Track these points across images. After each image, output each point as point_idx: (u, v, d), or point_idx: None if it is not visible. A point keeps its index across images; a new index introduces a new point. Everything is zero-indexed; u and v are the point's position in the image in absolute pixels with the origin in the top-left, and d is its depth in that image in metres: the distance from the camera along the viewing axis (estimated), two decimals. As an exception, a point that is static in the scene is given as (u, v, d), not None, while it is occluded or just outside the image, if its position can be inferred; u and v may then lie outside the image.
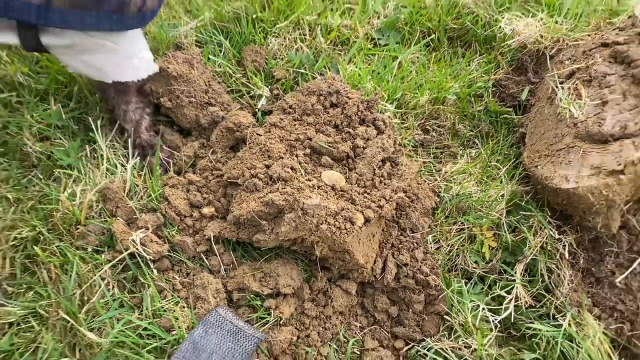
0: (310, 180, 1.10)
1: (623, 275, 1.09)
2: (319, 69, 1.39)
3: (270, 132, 1.20)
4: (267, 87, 1.35)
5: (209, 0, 1.45)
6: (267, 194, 1.07)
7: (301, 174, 1.12)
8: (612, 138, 1.06)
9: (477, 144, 1.37)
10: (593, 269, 1.12)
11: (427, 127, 1.38)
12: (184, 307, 1.06)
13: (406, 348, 1.12)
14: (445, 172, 1.30)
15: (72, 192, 1.14)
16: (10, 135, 1.26)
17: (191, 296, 1.07)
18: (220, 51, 1.38)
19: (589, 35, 1.35)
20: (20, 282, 1.11)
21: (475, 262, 1.18)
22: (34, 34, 0.99)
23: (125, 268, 1.11)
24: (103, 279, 1.07)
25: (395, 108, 1.35)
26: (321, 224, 1.01)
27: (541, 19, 1.45)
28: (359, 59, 1.43)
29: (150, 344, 1.02)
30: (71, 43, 1.02)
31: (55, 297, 1.07)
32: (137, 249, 1.07)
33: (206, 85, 1.28)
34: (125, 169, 1.18)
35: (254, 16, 1.41)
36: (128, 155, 1.21)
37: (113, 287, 1.08)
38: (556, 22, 1.44)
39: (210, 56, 1.35)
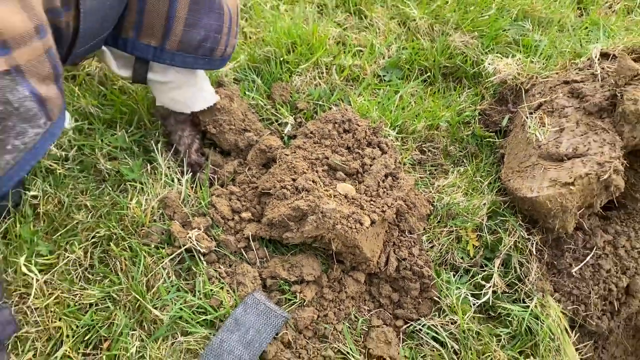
0: (327, 191, 1.39)
1: (578, 267, 1.36)
2: (334, 101, 1.69)
3: (295, 152, 1.50)
4: (292, 116, 1.65)
5: (243, 45, 1.77)
6: (294, 201, 1.36)
7: (320, 186, 1.41)
8: (566, 157, 1.34)
9: (465, 163, 1.65)
10: (555, 262, 1.39)
11: (424, 148, 1.67)
12: (228, 290, 1.34)
13: (405, 326, 1.39)
14: (438, 186, 1.58)
15: (137, 200, 1.44)
16: (85, 155, 1.56)
17: (234, 282, 1.35)
18: (254, 87, 1.69)
19: (556, 73, 1.64)
20: (97, 271, 1.39)
21: (462, 258, 1.45)
22: (145, 70, 1.31)
23: (181, 260, 1.39)
24: (164, 269, 1.36)
25: (396, 133, 1.64)
26: (336, 224, 1.29)
27: (519, 59, 1.74)
28: (367, 92, 1.73)
29: (203, 318, 1.30)
30: (168, 80, 1.35)
31: (126, 283, 1.36)
32: (192, 244, 1.36)
33: (243, 115, 1.58)
34: (181, 182, 1.48)
35: (281, 59, 1.72)
36: (181, 171, 1.51)
37: (171, 275, 1.37)
38: (531, 62, 1.73)
39: (246, 91, 1.66)
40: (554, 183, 1.30)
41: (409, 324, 1.38)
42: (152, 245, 1.38)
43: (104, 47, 1.27)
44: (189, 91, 1.41)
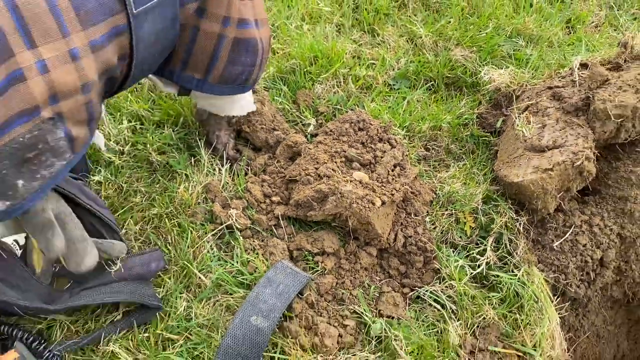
0: (345, 177, 1.65)
1: (559, 242, 1.59)
2: (350, 106, 1.96)
3: (317, 147, 1.76)
4: (314, 118, 1.91)
5: (272, 58, 2.05)
6: (316, 185, 1.62)
7: (339, 174, 1.67)
8: (547, 148, 1.58)
9: (464, 158, 1.90)
10: (539, 238, 1.62)
11: (428, 146, 1.92)
12: (261, 259, 1.59)
13: (410, 292, 1.61)
14: (440, 177, 1.83)
15: (184, 186, 1.71)
16: (138, 150, 1.83)
17: (266, 253, 1.59)
18: (281, 94, 1.97)
19: (543, 81, 1.89)
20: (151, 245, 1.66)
21: (460, 236, 1.69)
22: (189, 91, 1.52)
23: (221, 236, 1.65)
24: (207, 242, 1.62)
25: (404, 132, 1.90)
26: (352, 203, 1.54)
27: (511, 70, 2.00)
28: (378, 99, 1.99)
29: (240, 281, 1.55)
30: (211, 95, 1.54)
31: (175, 254, 1.62)
32: (232, 221, 1.61)
33: (272, 117, 1.85)
34: (221, 172, 1.75)
35: (305, 70, 1.99)
36: (221, 163, 1.78)
37: (213, 247, 1.62)
38: (522, 72, 1.98)
39: (275, 97, 1.94)
40: (536, 170, 1.54)
41: (414, 291, 1.62)
42: (197, 223, 1.64)
43: (150, 75, 1.48)
44: (228, 101, 1.62)
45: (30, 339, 1.26)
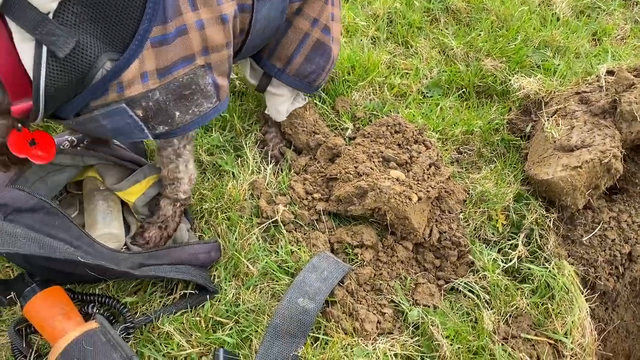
0: (383, 175, 1.76)
1: (588, 237, 1.66)
2: (385, 112, 2.07)
3: (356, 148, 1.87)
4: (352, 123, 2.04)
5: (312, 68, 2.19)
6: (356, 182, 1.73)
7: (377, 172, 1.78)
8: (575, 148, 1.67)
9: (495, 161, 1.99)
10: (569, 234, 1.69)
11: (460, 150, 2.02)
12: (304, 250, 1.70)
13: (445, 285, 1.70)
14: (473, 178, 1.92)
15: (232, 184, 1.84)
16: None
17: (309, 244, 1.70)
18: (320, 100, 2.10)
19: (571, 88, 1.98)
20: (204, 236, 1.78)
21: (492, 232, 1.77)
22: (267, 83, 1.74)
23: (266, 229, 1.76)
24: (254, 235, 1.74)
25: (438, 136, 2.00)
26: (391, 199, 1.64)
27: (540, 78, 2.10)
28: (413, 105, 2.10)
29: (285, 269, 1.65)
30: (281, 94, 1.77)
31: (224, 245, 1.73)
32: (277, 216, 1.73)
33: (314, 121, 1.97)
34: (266, 170, 1.88)
35: (343, 78, 2.12)
36: (267, 162, 1.91)
37: (259, 239, 1.73)
38: (550, 81, 2.08)
39: (316, 103, 2.07)
40: (566, 167, 1.63)
41: (448, 283, 1.70)
42: (245, 217, 1.76)
43: (248, 58, 1.72)
44: (287, 104, 1.84)
45: (115, 306, 1.42)
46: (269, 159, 1.91)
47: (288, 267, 1.64)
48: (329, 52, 1.67)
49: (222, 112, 1.40)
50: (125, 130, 1.23)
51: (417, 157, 1.81)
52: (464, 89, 2.18)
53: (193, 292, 1.55)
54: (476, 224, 1.79)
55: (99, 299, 1.43)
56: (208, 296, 1.50)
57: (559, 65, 2.18)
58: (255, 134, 2.00)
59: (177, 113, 1.25)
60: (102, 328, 1.27)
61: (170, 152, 1.45)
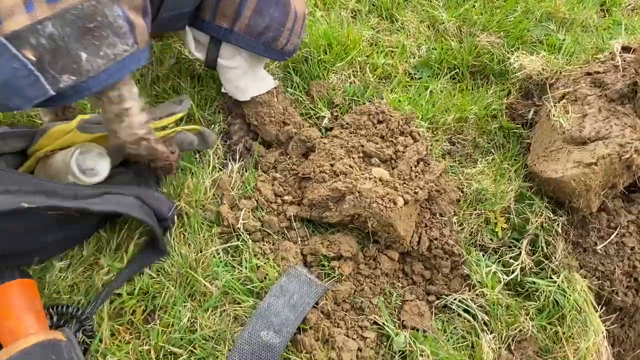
0: (363, 174, 1.50)
1: (603, 245, 1.43)
2: (367, 97, 1.81)
3: (332, 141, 1.62)
4: (329, 111, 1.77)
5: (284, 47, 1.91)
6: (332, 183, 1.47)
7: (357, 170, 1.52)
8: (589, 140, 1.42)
9: (492, 153, 1.74)
10: (580, 241, 1.46)
11: (453, 140, 1.77)
12: (272, 265, 1.45)
13: (437, 301, 1.47)
14: (467, 174, 1.67)
15: (193, 182, 1.57)
16: (140, 147, 1.72)
17: (277, 258, 1.46)
18: (293, 85, 1.83)
19: (579, 67, 1.73)
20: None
21: (490, 238, 1.54)
22: (216, 54, 1.49)
23: (228, 239, 1.52)
24: (214, 246, 1.48)
25: (427, 125, 1.74)
26: (372, 203, 1.39)
27: (543, 56, 1.84)
28: (399, 89, 1.84)
29: (249, 289, 1.41)
30: (235, 65, 1.52)
31: (178, 257, 1.48)
32: (240, 223, 1.48)
33: (283, 109, 1.71)
34: (227, 167, 1.61)
35: (319, 58, 1.85)
36: (233, 158, 1.64)
37: (220, 252, 1.48)
38: (555, 58, 1.82)
39: (286, 88, 1.80)
40: (578, 164, 1.38)
41: (440, 299, 1.47)
42: (205, 224, 1.51)
43: (187, 28, 1.46)
44: (251, 79, 1.58)
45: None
46: (233, 154, 1.64)
47: (253, 287, 1.39)
48: (286, 3, 1.44)
49: (143, 63, 1.15)
50: (13, 83, 0.95)
51: (404, 152, 1.56)
52: (456, 69, 1.92)
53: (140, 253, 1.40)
54: (472, 228, 1.55)
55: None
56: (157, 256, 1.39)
57: (564, 40, 1.92)
58: (219, 125, 1.74)
59: (84, 54, 1.00)
60: (69, 343, 1.13)
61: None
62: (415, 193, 1.45)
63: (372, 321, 1.42)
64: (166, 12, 1.30)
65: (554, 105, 1.59)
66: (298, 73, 1.85)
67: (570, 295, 1.37)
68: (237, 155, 1.65)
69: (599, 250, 1.42)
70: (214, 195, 1.57)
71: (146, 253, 1.39)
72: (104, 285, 1.33)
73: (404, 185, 1.48)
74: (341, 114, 1.77)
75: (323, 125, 1.74)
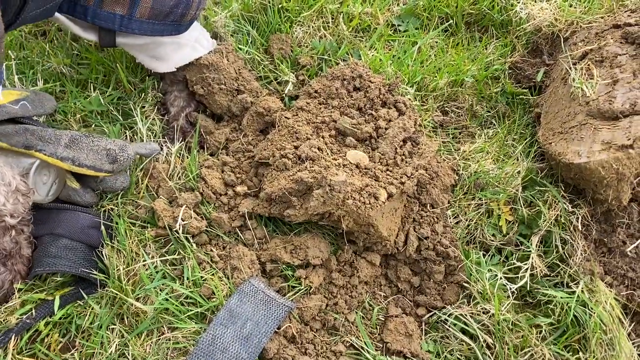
0: (336, 160, 1.18)
1: (634, 245, 1.15)
2: (341, 55, 1.46)
3: (297, 115, 1.28)
4: (293, 73, 1.43)
5: (235, -9, 1.53)
6: (296, 172, 1.15)
7: (327, 154, 1.20)
8: (622, 115, 1.11)
9: (494, 124, 1.43)
10: (605, 239, 1.18)
11: (446, 108, 1.45)
12: (221, 277, 1.15)
13: (428, 315, 1.20)
14: (464, 151, 1.37)
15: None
16: (56, 121, 1.36)
17: (228, 267, 1.16)
18: (248, 40, 1.47)
19: (602, 18, 1.40)
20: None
21: (493, 235, 1.25)
22: (113, 35, 1.16)
23: (167, 242, 1.20)
24: (147, 253, 1.17)
25: (415, 91, 1.41)
26: (347, 199, 1.09)
27: (555, 2, 1.50)
28: (379, 45, 1.50)
29: (192, 310, 1.11)
30: (142, 43, 1.19)
31: (103, 268, 1.17)
32: (177, 225, 1.16)
33: (236, 73, 1.35)
34: (164, 152, 1.27)
35: (280, 6, 1.48)
36: (171, 139, 1.31)
37: (156, 261, 1.17)
38: (570, 6, 1.48)
39: (240, 45, 1.43)
40: (608, 146, 1.08)
41: (432, 313, 1.19)
42: (136, 225, 1.19)
43: (58, 15, 1.11)
44: (171, 49, 1.25)
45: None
46: (176, 134, 1.30)
47: (196, 305, 1.10)
48: None
49: None
50: None
51: (386, 129, 1.24)
52: (449, 20, 1.57)
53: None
54: (470, 222, 1.27)
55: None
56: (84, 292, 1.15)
57: (580, -18, 1.57)
58: (152, 93, 1.38)
59: None
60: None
61: None
62: (402, 183, 1.14)
63: (348, 344, 1.15)
64: (32, 11, 0.98)
65: (573, 67, 1.26)
66: (254, 25, 1.49)
67: (593, 309, 1.10)
68: (177, 133, 1.31)
69: (628, 252, 1.14)
70: (147, 187, 1.24)
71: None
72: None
73: (388, 173, 1.17)
74: (308, 77, 1.43)
75: (286, 92, 1.40)
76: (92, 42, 1.27)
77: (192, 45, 1.26)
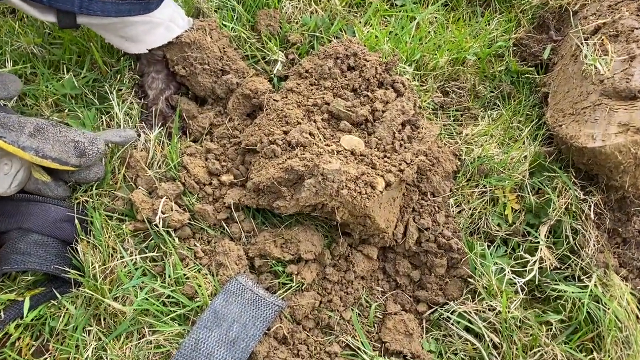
0: (329, 146, 1.09)
1: (651, 235, 1.07)
2: (334, 32, 1.36)
3: (287, 97, 1.19)
4: (283, 52, 1.33)
5: (220, -37, 1.42)
6: (286, 160, 1.06)
7: (320, 140, 1.10)
8: (640, 94, 1.03)
9: (498, 105, 1.34)
10: (620, 229, 1.10)
11: (447, 89, 1.36)
12: (206, 274, 1.06)
13: (429, 312, 1.12)
14: (466, 135, 1.28)
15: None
16: (26, 106, 1.26)
17: (213, 263, 1.07)
18: (234, 16, 1.36)
19: (615, -11, 1.30)
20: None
21: (498, 224, 1.17)
22: (73, 16, 1.04)
23: (146, 237, 1.11)
24: (126, 249, 1.08)
25: (413, 70, 1.32)
26: (342, 189, 1.00)
27: (564, -27, 1.40)
28: (375, 20, 1.39)
29: (174, 311, 1.03)
30: (109, 22, 1.07)
31: (79, 265, 1.08)
32: (157, 218, 1.07)
33: (221, 52, 1.25)
34: (142, 139, 1.18)
35: (267, -21, 1.38)
36: (150, 125, 1.21)
37: (135, 257, 1.08)
38: (580, -24, 1.39)
39: (224, 22, 1.33)
40: (625, 128, 1.00)
41: (433, 310, 1.11)
42: (113, 219, 1.10)
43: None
44: (142, 29, 1.13)
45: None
46: (155, 118, 1.20)
47: (179, 306, 1.01)
48: None
49: None
50: None
51: (384, 112, 1.14)
52: (450, -7, 1.47)
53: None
54: (473, 211, 1.18)
55: None
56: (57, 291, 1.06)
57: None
58: (128, 75, 1.28)
59: None
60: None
61: None
62: (401, 171, 1.05)
63: (343, 344, 1.08)
64: None
65: (585, 43, 1.17)
66: (240, 0, 1.38)
67: (608, 305, 1.02)
68: (156, 118, 1.21)
69: (645, 243, 1.06)
70: (124, 177, 1.14)
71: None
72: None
73: (385, 159, 1.08)
74: (299, 56, 1.33)
75: (275, 72, 1.30)
76: (53, 24, 1.16)
77: (166, 24, 1.14)
